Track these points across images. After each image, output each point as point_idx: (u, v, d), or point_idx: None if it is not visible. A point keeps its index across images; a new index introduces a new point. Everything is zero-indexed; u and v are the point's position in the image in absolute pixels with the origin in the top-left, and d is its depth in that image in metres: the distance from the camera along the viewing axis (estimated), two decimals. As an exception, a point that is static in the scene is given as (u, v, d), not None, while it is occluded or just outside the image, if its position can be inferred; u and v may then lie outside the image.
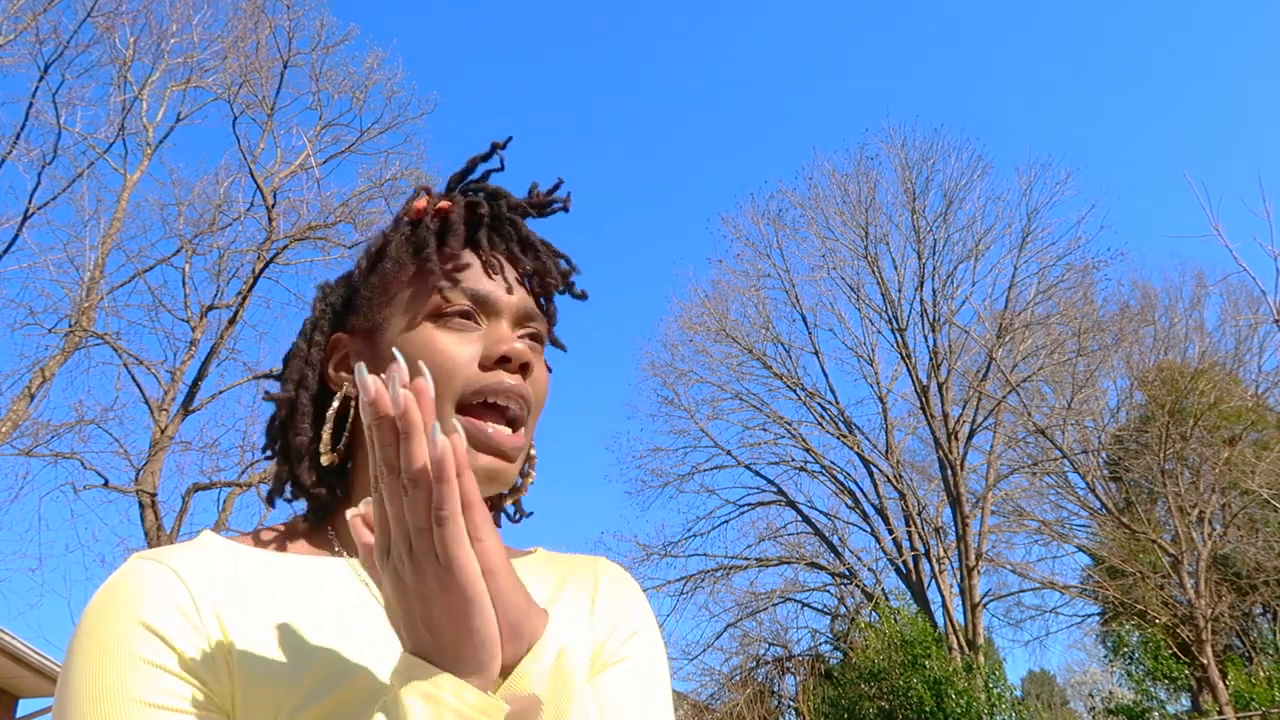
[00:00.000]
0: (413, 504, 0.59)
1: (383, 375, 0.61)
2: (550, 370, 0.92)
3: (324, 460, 0.82)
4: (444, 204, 0.88)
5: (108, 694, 0.66)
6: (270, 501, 0.86)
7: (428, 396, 0.60)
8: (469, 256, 0.85)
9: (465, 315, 0.82)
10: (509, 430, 0.80)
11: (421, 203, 0.88)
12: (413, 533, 0.59)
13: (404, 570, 0.60)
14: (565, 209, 0.93)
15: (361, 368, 0.61)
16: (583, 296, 0.94)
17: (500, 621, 0.61)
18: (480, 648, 0.61)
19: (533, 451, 0.89)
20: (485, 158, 0.91)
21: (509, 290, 0.84)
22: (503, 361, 0.80)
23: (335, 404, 0.83)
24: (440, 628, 0.60)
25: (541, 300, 0.90)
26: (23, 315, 13.44)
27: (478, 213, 0.87)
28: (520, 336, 0.84)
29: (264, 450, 0.88)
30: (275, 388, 0.88)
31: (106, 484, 13.10)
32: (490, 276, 0.84)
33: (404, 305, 0.83)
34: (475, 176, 0.92)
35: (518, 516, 0.96)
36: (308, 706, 0.69)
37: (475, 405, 0.80)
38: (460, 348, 0.80)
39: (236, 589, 0.74)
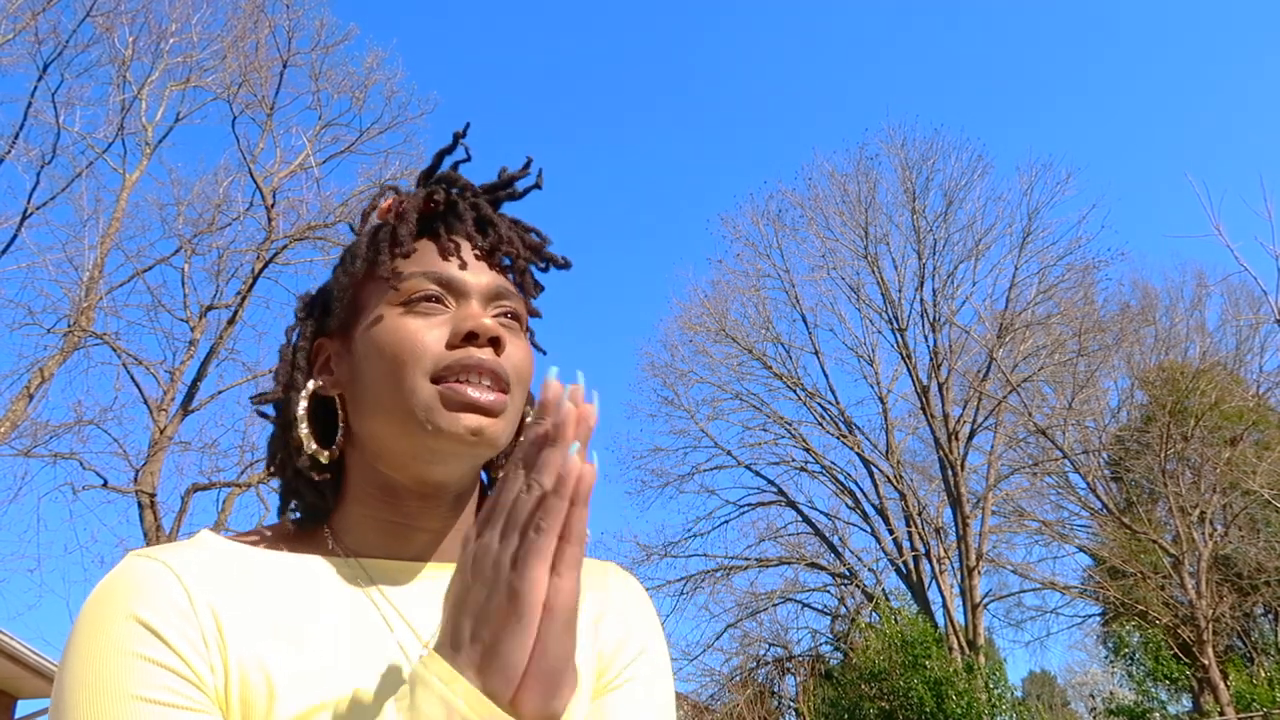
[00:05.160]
0: (524, 503, 0.61)
1: (569, 385, 0.64)
2: (545, 352, 0.91)
3: (321, 457, 0.82)
4: (400, 200, 0.88)
5: (103, 688, 0.66)
6: (283, 513, 0.86)
7: (588, 423, 0.63)
8: (427, 243, 0.85)
9: (432, 299, 0.81)
10: (489, 384, 0.79)
11: (387, 203, 0.89)
12: (509, 527, 0.61)
13: (484, 556, 0.62)
14: (538, 186, 0.92)
15: (553, 370, 0.64)
16: (564, 265, 0.93)
17: (532, 661, 0.60)
18: (499, 671, 0.60)
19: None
20: (449, 150, 0.91)
21: (470, 269, 0.84)
22: (471, 338, 0.79)
23: (341, 411, 0.83)
24: (478, 631, 0.61)
25: (513, 277, 0.88)
26: (22, 315, 13.47)
27: (433, 200, 0.87)
28: (493, 316, 0.83)
29: (267, 465, 0.88)
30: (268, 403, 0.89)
31: (105, 484, 13.13)
32: (446, 259, 0.83)
33: (371, 299, 0.83)
34: (443, 169, 0.91)
35: None
36: (303, 704, 0.68)
37: (449, 381, 0.78)
38: (428, 330, 0.79)
39: (233, 586, 0.74)
